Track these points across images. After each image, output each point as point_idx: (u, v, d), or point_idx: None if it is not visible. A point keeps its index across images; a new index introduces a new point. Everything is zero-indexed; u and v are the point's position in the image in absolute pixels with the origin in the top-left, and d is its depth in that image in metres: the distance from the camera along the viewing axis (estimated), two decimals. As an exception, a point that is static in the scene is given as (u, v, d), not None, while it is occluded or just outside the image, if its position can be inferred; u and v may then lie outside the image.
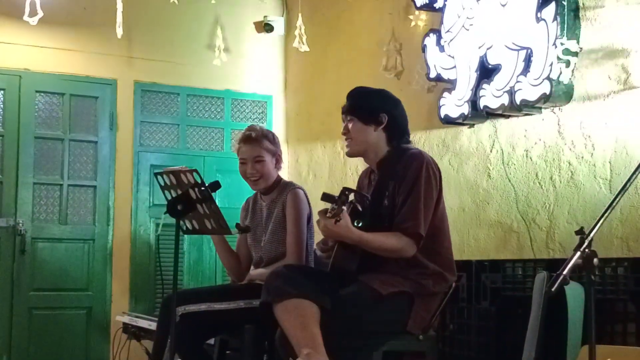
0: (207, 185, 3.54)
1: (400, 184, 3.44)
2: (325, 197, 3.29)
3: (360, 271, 3.43)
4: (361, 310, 3.34)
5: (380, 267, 3.41)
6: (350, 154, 3.68)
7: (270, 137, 4.19)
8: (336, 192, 3.30)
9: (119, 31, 5.60)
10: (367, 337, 3.37)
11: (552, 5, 4.30)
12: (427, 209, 3.42)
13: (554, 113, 4.50)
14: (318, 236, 3.86)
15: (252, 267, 4.26)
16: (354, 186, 3.84)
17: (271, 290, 3.33)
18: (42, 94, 6.45)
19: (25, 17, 5.39)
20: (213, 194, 3.51)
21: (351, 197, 3.41)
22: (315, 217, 4.13)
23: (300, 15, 6.28)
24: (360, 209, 3.40)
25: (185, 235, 5.34)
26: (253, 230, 4.19)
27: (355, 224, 3.34)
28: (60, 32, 6.48)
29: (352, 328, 3.32)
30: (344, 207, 3.26)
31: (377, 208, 3.48)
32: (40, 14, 5.34)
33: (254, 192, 4.35)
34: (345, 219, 3.26)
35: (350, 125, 3.61)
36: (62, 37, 6.49)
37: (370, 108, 3.59)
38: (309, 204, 4.13)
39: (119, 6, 5.54)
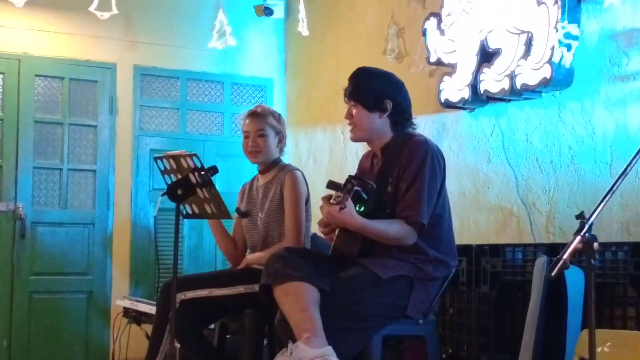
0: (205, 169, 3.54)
1: (404, 171, 3.43)
2: (331, 184, 3.29)
3: (362, 255, 3.43)
4: (361, 293, 3.34)
5: (381, 252, 3.41)
6: (354, 139, 3.66)
7: (276, 116, 4.21)
8: (337, 178, 3.30)
9: (105, 15, 5.55)
10: (367, 320, 3.37)
11: (553, -11, 4.29)
12: (430, 197, 3.40)
13: (555, 97, 4.49)
14: (315, 219, 3.86)
15: (248, 251, 4.26)
16: (354, 168, 3.83)
17: (271, 272, 3.33)
18: (42, 78, 6.44)
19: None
20: (212, 177, 3.50)
21: (356, 185, 3.38)
22: (314, 199, 4.13)
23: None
24: (365, 197, 3.38)
25: (185, 220, 5.33)
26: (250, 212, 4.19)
27: (357, 209, 3.34)
28: (59, 16, 6.46)
29: (352, 311, 3.32)
30: (349, 195, 3.24)
31: (380, 194, 3.47)
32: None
33: (252, 176, 4.34)
34: (350, 206, 3.26)
35: (354, 111, 3.57)
36: (62, 21, 6.47)
37: (374, 94, 3.54)
38: (306, 185, 4.13)
39: None
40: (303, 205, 4.04)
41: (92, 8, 5.51)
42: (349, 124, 3.61)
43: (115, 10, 5.53)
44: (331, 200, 3.27)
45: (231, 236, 4.31)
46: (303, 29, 6.24)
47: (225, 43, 6.50)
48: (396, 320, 3.46)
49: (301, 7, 6.24)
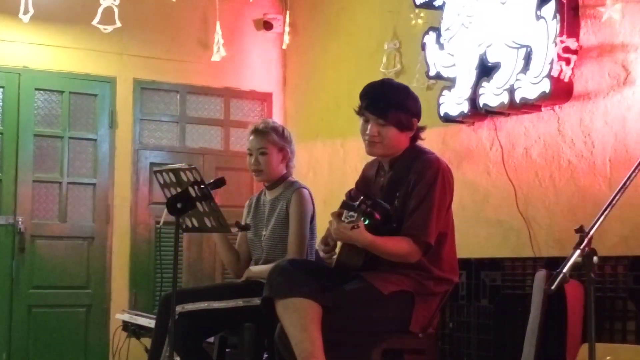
0: (212, 181, 3.55)
1: (413, 188, 3.40)
2: (346, 206, 3.26)
3: (365, 268, 3.42)
4: (362, 308, 3.33)
5: (383, 266, 3.40)
6: (373, 154, 3.59)
7: (280, 131, 4.16)
8: (337, 191, 3.29)
9: (104, 27, 5.57)
10: (368, 334, 3.37)
11: (552, 3, 4.30)
12: (439, 218, 3.39)
13: (554, 111, 4.50)
14: (320, 236, 3.86)
15: (252, 263, 4.26)
16: (354, 181, 3.81)
17: (274, 286, 3.31)
18: (42, 91, 6.45)
19: (20, 15, 5.38)
20: (213, 191, 3.51)
21: (369, 206, 3.34)
22: (319, 216, 4.13)
23: (288, 12, 6.29)
24: (378, 217, 3.33)
25: (185, 233, 5.34)
26: (254, 225, 4.18)
27: (362, 220, 3.32)
28: (59, 30, 6.48)
29: (353, 325, 3.32)
30: (362, 217, 3.23)
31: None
32: (31, 11, 5.30)
33: (258, 191, 4.35)
34: (362, 227, 3.24)
35: (384, 131, 3.45)
36: (62, 35, 6.49)
37: (409, 116, 3.47)
38: (312, 204, 4.12)
39: (104, 2, 5.54)
40: (308, 223, 4.04)
41: (95, 22, 5.54)
42: (371, 140, 3.49)
43: (118, 24, 5.56)
44: (342, 218, 3.25)
45: (235, 249, 4.30)
46: (285, 42, 6.27)
47: (223, 55, 6.51)
48: (397, 333, 3.45)
49: (283, 21, 6.27)
